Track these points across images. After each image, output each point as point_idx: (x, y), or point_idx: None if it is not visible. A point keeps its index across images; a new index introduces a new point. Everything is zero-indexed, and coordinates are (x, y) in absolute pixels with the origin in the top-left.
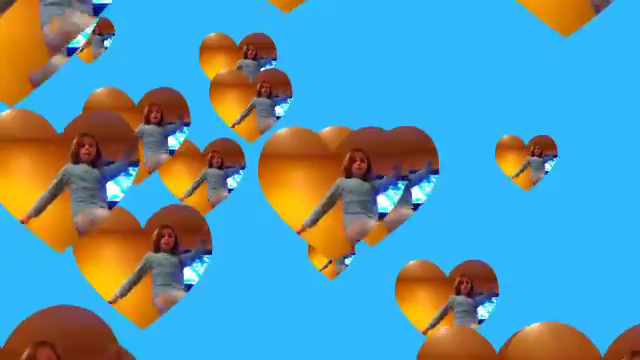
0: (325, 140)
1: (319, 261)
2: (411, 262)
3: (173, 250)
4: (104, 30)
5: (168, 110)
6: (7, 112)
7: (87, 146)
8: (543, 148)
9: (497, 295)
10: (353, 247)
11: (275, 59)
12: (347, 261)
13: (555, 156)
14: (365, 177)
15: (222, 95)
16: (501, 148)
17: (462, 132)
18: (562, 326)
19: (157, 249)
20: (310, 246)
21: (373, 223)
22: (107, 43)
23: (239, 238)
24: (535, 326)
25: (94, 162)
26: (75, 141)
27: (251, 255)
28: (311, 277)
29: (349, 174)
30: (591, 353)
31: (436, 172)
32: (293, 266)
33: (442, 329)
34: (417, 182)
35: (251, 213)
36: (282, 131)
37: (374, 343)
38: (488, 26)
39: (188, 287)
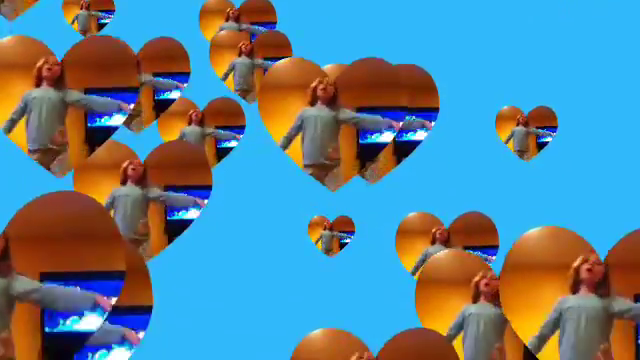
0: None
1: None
2: (411, 214)
3: (140, 180)
4: (104, 7)
5: (167, 59)
6: (8, 38)
7: (51, 64)
8: (542, 120)
9: (497, 247)
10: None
11: (275, 24)
12: (347, 240)
13: (554, 128)
14: (330, 104)
15: (222, 56)
16: (501, 119)
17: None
18: (562, 230)
19: (125, 180)
20: (310, 224)
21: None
22: (106, 20)
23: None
24: (535, 230)
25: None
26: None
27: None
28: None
29: (314, 99)
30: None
31: (436, 111)
32: (293, 244)
33: (441, 252)
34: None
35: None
36: (282, 62)
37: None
38: None
39: (187, 222)
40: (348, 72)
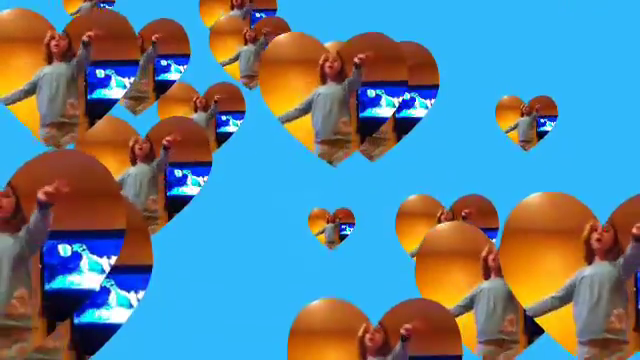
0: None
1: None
2: (411, 196)
3: (148, 157)
4: None
5: (167, 40)
6: (8, 11)
7: (57, 39)
8: (542, 108)
9: (497, 229)
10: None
11: (275, 10)
12: (347, 232)
13: (555, 116)
14: (338, 79)
15: (222, 43)
16: (501, 109)
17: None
18: (562, 195)
19: (134, 160)
20: (310, 216)
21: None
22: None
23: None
24: (535, 196)
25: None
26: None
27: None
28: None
29: (324, 77)
30: (590, 221)
31: (436, 88)
32: (293, 224)
33: (441, 224)
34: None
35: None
36: (283, 36)
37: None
38: None
39: (187, 198)
40: (349, 46)
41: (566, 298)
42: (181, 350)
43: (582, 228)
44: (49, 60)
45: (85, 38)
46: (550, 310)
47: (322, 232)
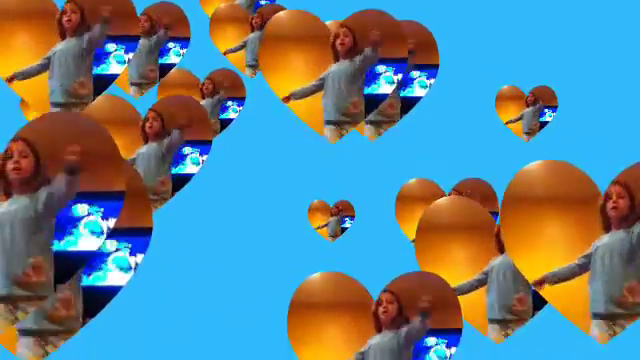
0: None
1: (318, 223)
2: (410, 180)
3: (158, 135)
4: None
5: (170, 25)
6: None
7: (69, 13)
8: (542, 99)
9: (497, 213)
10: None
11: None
12: (347, 224)
13: (555, 107)
14: (351, 54)
15: (223, 30)
16: (501, 99)
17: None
18: (562, 163)
19: (146, 138)
20: (310, 208)
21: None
22: None
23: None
24: (535, 163)
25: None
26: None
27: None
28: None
29: (335, 54)
30: (590, 189)
31: (436, 67)
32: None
33: (440, 199)
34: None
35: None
36: (283, 13)
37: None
38: None
39: (186, 177)
40: (353, 23)
41: (584, 267)
42: (182, 327)
43: (582, 195)
44: (63, 37)
45: (106, 14)
46: (573, 277)
47: (324, 226)
